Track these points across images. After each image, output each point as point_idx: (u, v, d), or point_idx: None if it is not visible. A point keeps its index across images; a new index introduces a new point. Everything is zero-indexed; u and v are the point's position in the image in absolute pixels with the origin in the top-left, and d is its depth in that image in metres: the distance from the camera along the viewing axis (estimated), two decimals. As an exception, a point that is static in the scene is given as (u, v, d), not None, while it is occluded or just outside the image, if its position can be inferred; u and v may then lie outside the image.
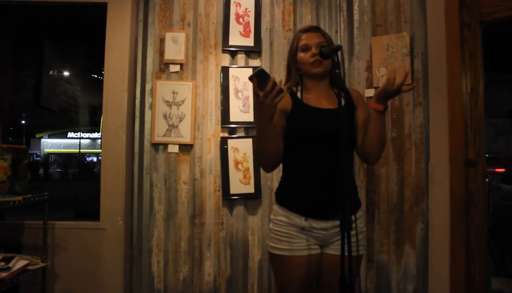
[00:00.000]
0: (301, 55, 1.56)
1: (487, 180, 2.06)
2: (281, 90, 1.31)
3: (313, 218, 1.47)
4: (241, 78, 2.43)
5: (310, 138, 1.49)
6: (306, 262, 1.47)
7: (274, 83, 1.29)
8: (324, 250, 1.51)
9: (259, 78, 1.28)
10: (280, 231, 1.50)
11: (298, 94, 1.56)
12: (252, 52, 2.48)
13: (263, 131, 1.41)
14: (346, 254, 1.21)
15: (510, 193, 6.41)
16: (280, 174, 1.61)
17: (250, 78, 1.29)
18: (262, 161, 1.53)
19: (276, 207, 1.57)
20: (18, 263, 2.01)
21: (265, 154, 1.46)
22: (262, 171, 2.37)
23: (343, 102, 1.54)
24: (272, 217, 1.58)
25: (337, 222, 1.42)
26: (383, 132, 1.49)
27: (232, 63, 2.47)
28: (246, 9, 2.48)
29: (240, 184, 2.37)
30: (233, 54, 2.48)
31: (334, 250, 1.49)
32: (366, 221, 2.26)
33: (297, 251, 1.47)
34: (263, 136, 1.42)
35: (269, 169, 1.58)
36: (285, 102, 1.51)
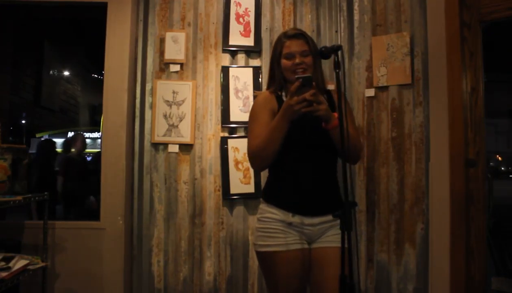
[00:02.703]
0: (284, 61, 1.57)
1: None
2: (310, 103, 1.36)
3: (300, 214, 1.50)
4: (241, 78, 2.43)
5: (294, 142, 1.50)
6: (297, 256, 1.48)
7: (312, 95, 1.35)
8: (312, 245, 1.52)
9: (304, 83, 1.35)
10: (268, 227, 1.51)
11: (284, 98, 1.57)
12: (252, 52, 2.48)
13: (276, 131, 1.44)
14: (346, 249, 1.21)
15: None
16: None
17: (297, 78, 1.37)
18: (260, 160, 1.53)
19: (263, 205, 1.58)
20: (18, 263, 2.01)
21: (268, 153, 1.48)
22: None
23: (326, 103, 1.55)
24: (258, 216, 1.59)
25: (325, 218, 1.49)
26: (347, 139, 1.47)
27: (232, 63, 2.47)
28: (246, 9, 2.48)
29: (240, 184, 2.37)
30: (233, 54, 2.48)
31: (322, 243, 1.51)
32: (366, 221, 2.26)
33: (287, 245, 1.48)
34: (274, 136, 1.44)
35: (263, 168, 1.62)
36: (274, 105, 1.56)
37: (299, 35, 1.58)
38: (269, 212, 1.53)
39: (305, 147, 1.52)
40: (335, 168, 1.58)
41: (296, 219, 1.49)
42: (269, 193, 1.59)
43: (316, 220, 1.50)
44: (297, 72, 1.53)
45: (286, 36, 1.59)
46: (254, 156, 1.55)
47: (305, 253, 1.50)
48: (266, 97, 1.61)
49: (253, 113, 1.61)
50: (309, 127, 1.49)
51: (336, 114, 1.43)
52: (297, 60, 1.54)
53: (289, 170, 1.53)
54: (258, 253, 1.55)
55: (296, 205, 1.50)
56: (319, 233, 1.51)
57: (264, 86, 2.43)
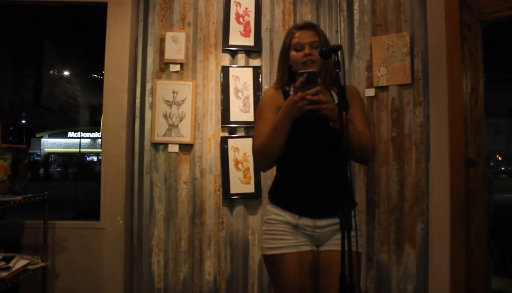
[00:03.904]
0: (293, 53, 1.53)
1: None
2: (318, 102, 1.33)
3: (306, 216, 1.46)
4: (241, 77, 2.43)
5: (300, 141, 1.47)
6: (308, 258, 1.45)
7: (316, 93, 1.31)
8: (321, 248, 1.48)
9: (308, 79, 1.31)
10: (274, 229, 1.48)
11: (291, 93, 1.52)
12: (252, 52, 2.48)
13: (279, 128, 1.41)
14: (346, 250, 1.20)
15: None
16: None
17: (301, 73, 1.32)
18: (264, 158, 1.50)
19: (269, 207, 1.55)
20: (18, 263, 2.01)
21: (270, 151, 1.45)
22: (262, 171, 2.37)
23: (336, 100, 1.52)
24: (264, 217, 1.56)
25: (332, 221, 1.43)
26: (355, 140, 1.43)
27: (232, 63, 2.47)
28: (246, 8, 2.48)
29: (240, 184, 2.37)
30: (233, 54, 2.48)
31: (330, 246, 1.46)
32: (366, 221, 2.26)
33: (292, 248, 1.44)
34: (277, 133, 1.41)
35: (268, 167, 1.57)
36: (280, 102, 1.51)
37: (310, 26, 1.55)
38: (275, 214, 1.50)
39: (312, 146, 1.48)
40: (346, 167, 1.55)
41: (303, 221, 1.46)
42: (275, 193, 1.55)
43: (324, 222, 1.46)
44: (306, 64, 1.48)
45: (296, 27, 1.56)
46: (257, 155, 1.52)
47: (314, 255, 1.46)
48: (272, 94, 1.57)
49: (258, 112, 1.58)
50: (317, 125, 1.44)
51: (344, 113, 1.41)
52: (306, 51, 1.49)
53: (295, 169, 1.49)
54: (266, 257, 1.50)
55: (302, 206, 1.46)
56: (328, 235, 1.47)
57: (266, 86, 2.44)
